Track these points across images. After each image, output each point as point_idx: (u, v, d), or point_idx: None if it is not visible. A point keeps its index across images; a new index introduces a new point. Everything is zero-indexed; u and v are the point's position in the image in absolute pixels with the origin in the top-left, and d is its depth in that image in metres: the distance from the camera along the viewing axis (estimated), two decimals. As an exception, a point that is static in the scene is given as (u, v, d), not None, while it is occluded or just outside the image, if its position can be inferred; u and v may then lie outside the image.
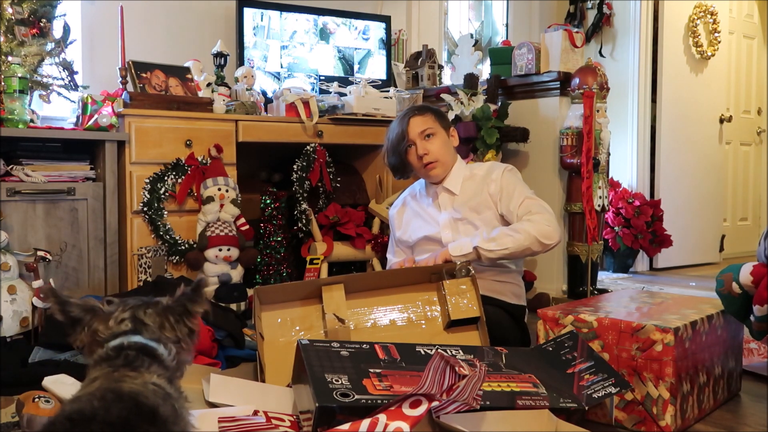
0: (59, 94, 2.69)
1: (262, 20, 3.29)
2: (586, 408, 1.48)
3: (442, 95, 3.30)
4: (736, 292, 1.70)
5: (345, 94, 3.09)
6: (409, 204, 2.35)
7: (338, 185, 3.08)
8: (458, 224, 2.19)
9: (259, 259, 2.84)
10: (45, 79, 2.63)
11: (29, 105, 2.55)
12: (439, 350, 1.35)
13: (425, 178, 2.30)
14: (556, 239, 2.05)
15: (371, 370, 1.39)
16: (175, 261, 2.62)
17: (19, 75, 2.41)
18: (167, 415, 0.96)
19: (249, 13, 3.25)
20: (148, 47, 3.16)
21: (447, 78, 4.09)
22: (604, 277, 4.05)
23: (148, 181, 2.57)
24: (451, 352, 1.55)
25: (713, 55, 4.60)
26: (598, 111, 3.09)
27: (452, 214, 2.21)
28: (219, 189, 2.63)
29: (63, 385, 1.54)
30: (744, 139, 5.21)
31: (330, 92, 3.17)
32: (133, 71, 2.69)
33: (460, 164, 2.29)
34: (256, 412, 1.47)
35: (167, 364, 1.06)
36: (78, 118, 2.74)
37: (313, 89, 3.35)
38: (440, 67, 3.86)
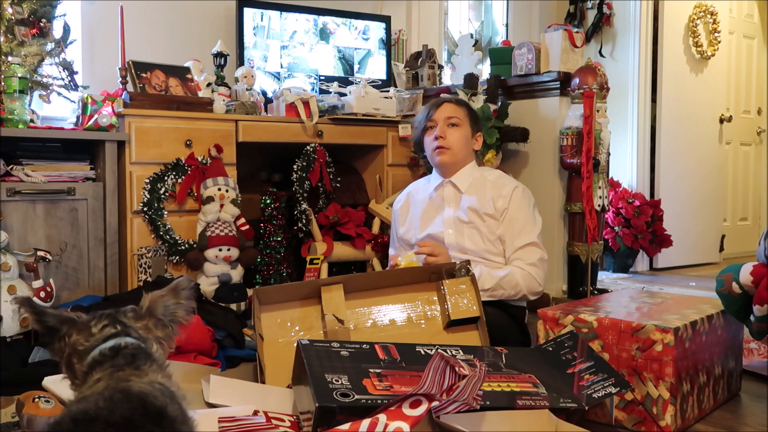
0: (59, 94, 2.69)
1: (262, 20, 3.29)
2: (586, 408, 1.49)
3: (442, 95, 3.30)
4: (736, 292, 1.70)
5: (345, 94, 3.09)
6: (413, 201, 2.35)
7: (338, 185, 3.08)
8: (463, 227, 2.19)
9: (259, 259, 2.84)
10: (45, 79, 2.63)
11: (29, 105, 2.54)
12: (439, 350, 1.35)
13: (433, 163, 2.32)
14: (539, 294, 2.17)
15: (371, 370, 1.39)
16: (175, 261, 2.62)
17: (19, 75, 2.41)
18: (176, 415, 0.96)
19: (249, 13, 3.25)
20: (148, 47, 3.16)
21: (447, 78, 4.09)
22: (604, 277, 4.05)
23: (148, 181, 2.57)
24: (451, 352, 1.55)
25: (713, 55, 4.61)
26: (598, 111, 3.09)
27: (458, 214, 2.20)
28: (219, 189, 2.63)
29: (63, 385, 1.54)
30: (744, 139, 5.21)
31: (330, 92, 3.17)
32: (133, 71, 2.68)
33: (474, 166, 2.31)
34: (256, 413, 1.47)
35: (160, 363, 1.06)
36: (78, 118, 2.74)
37: (313, 89, 3.35)
38: (440, 67, 3.86)
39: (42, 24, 2.60)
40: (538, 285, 2.13)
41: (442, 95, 2.42)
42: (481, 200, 2.18)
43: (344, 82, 3.28)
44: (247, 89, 3.04)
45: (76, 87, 2.71)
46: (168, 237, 2.59)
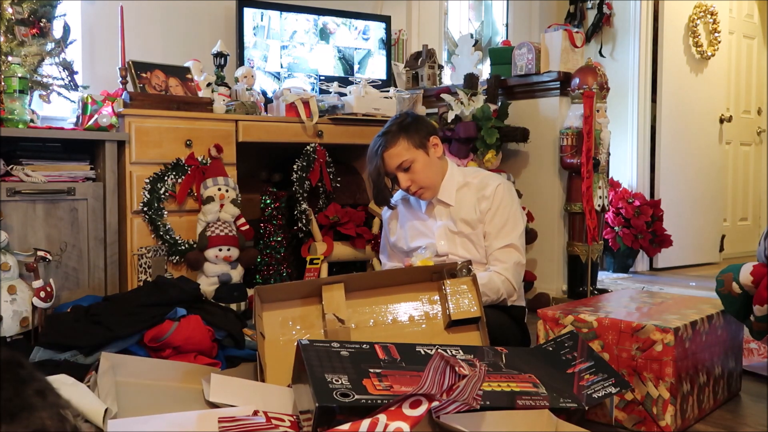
0: (59, 94, 2.69)
1: (262, 20, 3.29)
2: (586, 408, 1.48)
3: (442, 95, 3.30)
4: (736, 292, 1.70)
5: (345, 94, 3.09)
6: (402, 210, 2.31)
7: (338, 185, 3.07)
8: (455, 237, 2.18)
9: (259, 259, 2.84)
10: (45, 79, 2.63)
11: (29, 105, 2.54)
12: (439, 350, 1.35)
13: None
14: (514, 297, 2.15)
15: (371, 370, 1.39)
16: (175, 261, 2.62)
17: (19, 75, 2.41)
18: None
19: (249, 13, 3.25)
20: (148, 47, 3.16)
21: (447, 78, 4.09)
22: (604, 277, 4.05)
23: (148, 181, 2.57)
24: (451, 352, 1.55)
25: (713, 55, 4.61)
26: (598, 111, 3.09)
27: (448, 224, 2.19)
28: (219, 189, 2.63)
29: (63, 385, 1.54)
30: (744, 139, 5.21)
31: (330, 92, 3.17)
32: (133, 71, 2.68)
33: (452, 172, 2.23)
34: (256, 412, 1.47)
35: None
36: (78, 118, 2.74)
37: (313, 89, 3.35)
38: (440, 67, 3.86)
39: (42, 24, 2.60)
40: (514, 289, 2.12)
41: (370, 147, 2.23)
42: (469, 208, 2.17)
43: (344, 82, 3.28)
44: (247, 89, 3.04)
45: (76, 87, 2.70)
46: (168, 237, 2.59)
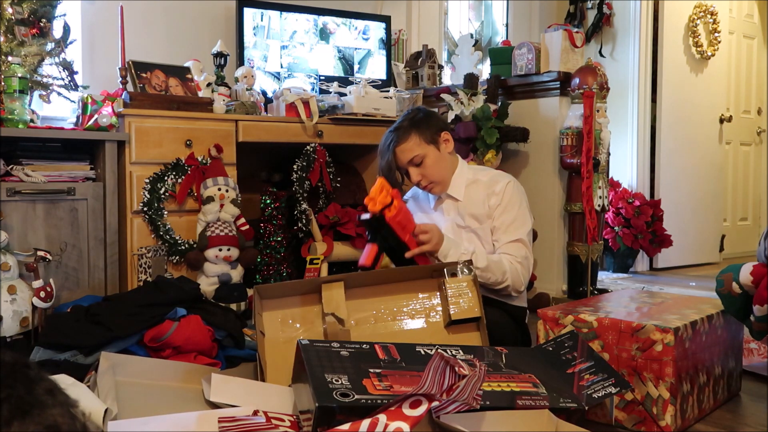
0: (59, 94, 2.69)
1: (262, 20, 3.29)
2: (586, 408, 1.49)
3: (442, 95, 3.30)
4: (736, 292, 1.70)
5: (345, 94, 3.09)
6: (411, 206, 2.33)
7: (338, 185, 3.07)
8: (461, 231, 2.18)
9: (259, 259, 2.84)
10: (45, 79, 2.63)
11: (29, 105, 2.54)
12: (439, 350, 1.35)
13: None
14: (520, 291, 2.14)
15: (371, 370, 1.39)
16: (175, 261, 2.62)
17: (19, 75, 2.41)
18: None
19: (249, 13, 3.25)
20: (148, 47, 3.16)
21: (447, 78, 4.10)
22: (604, 277, 4.05)
23: (148, 181, 2.57)
24: (451, 352, 1.55)
25: (713, 55, 4.61)
26: (598, 111, 3.09)
27: (455, 219, 2.20)
28: (219, 189, 2.63)
29: (63, 386, 1.54)
30: (744, 139, 5.21)
31: (330, 92, 3.17)
32: (133, 71, 2.68)
33: (462, 168, 2.25)
34: (256, 412, 1.47)
35: None
36: (78, 118, 2.74)
37: (313, 89, 3.35)
38: (440, 67, 3.86)
39: (42, 24, 2.60)
40: (521, 283, 2.11)
41: (382, 142, 2.23)
42: (477, 203, 2.18)
43: (344, 82, 3.28)
44: (247, 89, 3.04)
45: (76, 87, 2.70)
46: (168, 237, 2.59)
